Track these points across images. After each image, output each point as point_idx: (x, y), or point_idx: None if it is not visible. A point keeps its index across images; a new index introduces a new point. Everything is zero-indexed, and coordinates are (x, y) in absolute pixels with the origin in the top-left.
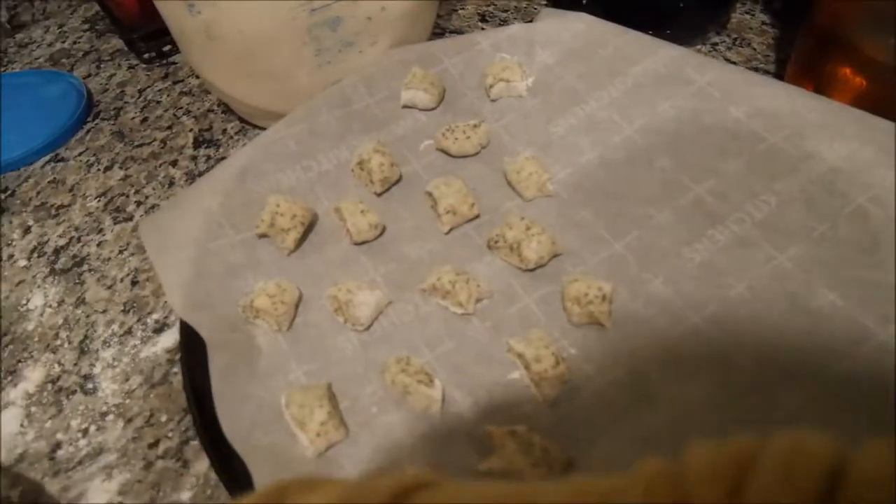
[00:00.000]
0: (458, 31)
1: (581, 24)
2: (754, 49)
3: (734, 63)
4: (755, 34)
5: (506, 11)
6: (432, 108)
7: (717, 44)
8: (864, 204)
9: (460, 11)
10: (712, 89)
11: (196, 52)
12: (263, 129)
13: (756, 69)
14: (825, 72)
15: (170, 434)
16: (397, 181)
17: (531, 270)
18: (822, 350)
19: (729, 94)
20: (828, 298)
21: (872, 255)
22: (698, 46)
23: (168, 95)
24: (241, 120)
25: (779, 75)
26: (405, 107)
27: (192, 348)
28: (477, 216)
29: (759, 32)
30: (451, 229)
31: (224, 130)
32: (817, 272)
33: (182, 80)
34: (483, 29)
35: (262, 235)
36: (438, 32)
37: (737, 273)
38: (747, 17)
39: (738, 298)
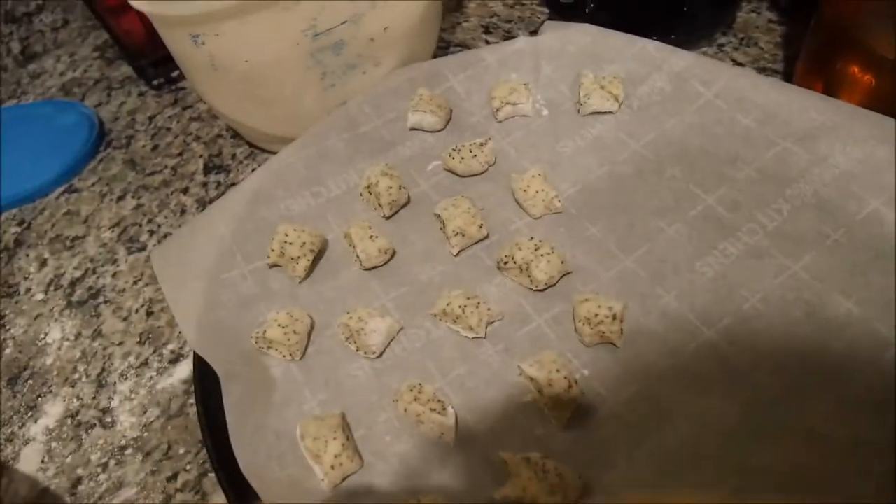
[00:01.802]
0: (463, 45)
1: (586, 36)
2: (761, 48)
3: (741, 64)
4: (762, 33)
5: (509, 22)
6: (439, 130)
7: (723, 45)
8: (879, 207)
9: (464, 24)
10: (720, 101)
11: (202, 82)
12: (272, 152)
13: (764, 69)
14: (834, 70)
15: (188, 467)
16: (406, 203)
17: (542, 290)
18: (840, 361)
19: (737, 102)
20: (844, 307)
21: (890, 260)
22: (704, 49)
23: (178, 121)
24: (250, 144)
25: (787, 74)
26: (412, 129)
27: (207, 381)
28: (486, 237)
29: (766, 31)
30: (460, 251)
31: (233, 155)
32: (832, 280)
33: (191, 106)
34: (487, 41)
35: (273, 265)
36: (443, 46)
37: (750, 285)
38: (753, 15)
39: (753, 311)
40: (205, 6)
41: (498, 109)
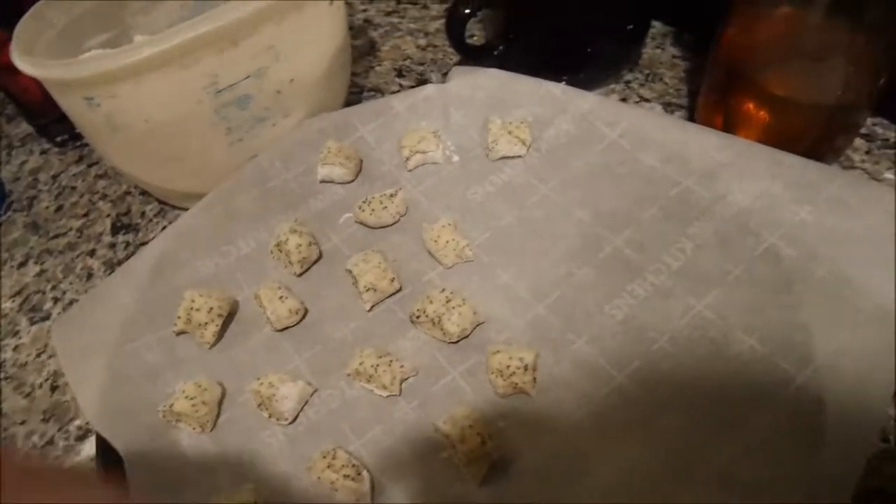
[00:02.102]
0: (377, 89)
1: (493, 81)
2: (666, 84)
3: (648, 100)
4: (666, 68)
5: (422, 65)
6: (350, 181)
7: (630, 81)
8: (776, 242)
9: (377, 68)
10: (623, 141)
11: (102, 143)
12: (184, 209)
13: (669, 104)
14: (731, 106)
15: None
16: (318, 259)
17: (455, 342)
18: (744, 400)
19: (641, 142)
20: (747, 344)
21: (787, 295)
22: (612, 86)
23: (83, 180)
24: (160, 201)
25: (691, 108)
26: (323, 181)
27: (112, 462)
28: (399, 290)
29: (670, 66)
30: (373, 306)
31: (143, 213)
32: (735, 317)
33: (97, 163)
34: (401, 85)
35: (181, 332)
36: (356, 91)
37: (658, 326)
38: (658, 51)
39: (661, 353)
40: (95, 68)
41: (408, 158)
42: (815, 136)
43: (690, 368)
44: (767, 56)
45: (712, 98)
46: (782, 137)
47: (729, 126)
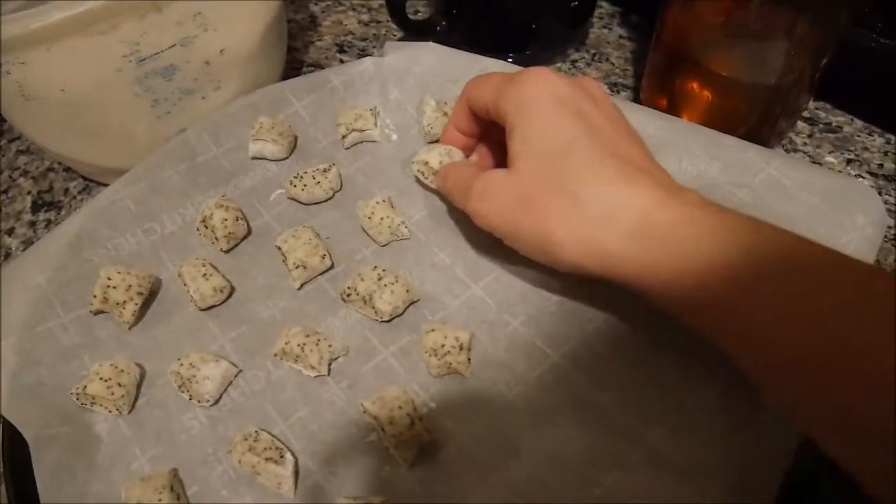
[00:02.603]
0: (317, 64)
1: (431, 56)
2: (612, 64)
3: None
4: (613, 48)
5: (364, 40)
6: (283, 158)
7: (576, 60)
8: None
9: (317, 43)
10: None
11: (16, 114)
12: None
13: (615, 84)
14: (675, 87)
15: None
16: (246, 236)
17: (388, 321)
18: (679, 378)
19: None
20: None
21: None
22: (559, 64)
23: (3, 155)
24: (85, 178)
25: (637, 89)
26: (254, 158)
27: (21, 449)
28: (330, 267)
29: (617, 46)
30: (302, 284)
31: (66, 190)
32: None
33: (19, 138)
34: (342, 60)
35: (99, 312)
36: (296, 67)
37: (595, 306)
38: (605, 31)
39: (597, 332)
40: (2, 32)
41: (344, 136)
42: (757, 117)
43: (626, 349)
44: (710, 36)
45: (656, 79)
46: (726, 118)
47: (673, 106)
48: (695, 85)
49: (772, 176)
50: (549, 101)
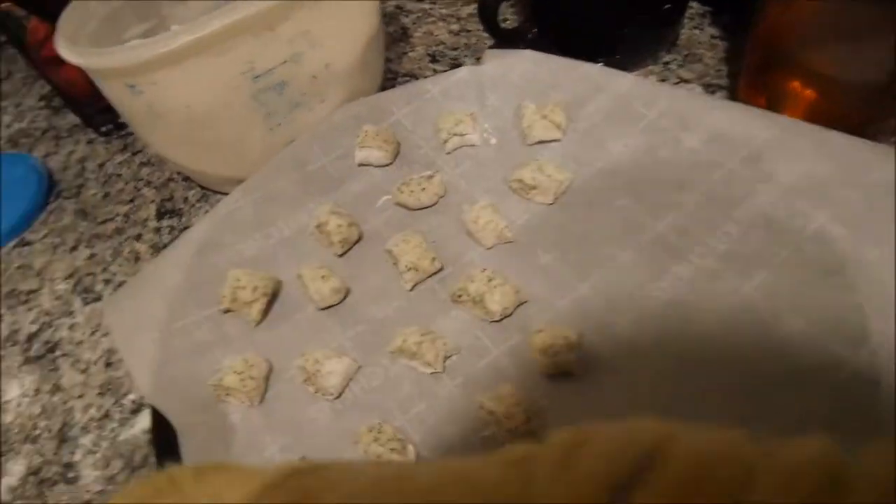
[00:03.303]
0: (411, 74)
1: (528, 63)
2: (706, 64)
3: (687, 81)
4: (706, 49)
5: (455, 49)
6: (387, 164)
7: (668, 62)
8: (825, 223)
9: (410, 54)
10: (663, 121)
11: (145, 130)
12: (225, 194)
13: (710, 85)
14: (775, 85)
15: None
16: (358, 240)
17: (498, 321)
18: (793, 384)
19: (681, 122)
20: (797, 326)
21: (838, 276)
22: (650, 67)
23: (128, 167)
24: (202, 187)
25: (732, 89)
26: (361, 165)
27: (166, 434)
28: (440, 269)
29: (710, 47)
30: (414, 286)
31: (185, 199)
32: (784, 299)
33: (141, 151)
34: (434, 70)
35: (227, 310)
36: (391, 77)
37: (704, 308)
38: (697, 32)
39: (707, 335)
40: (135, 56)
41: (445, 141)
42: (864, 116)
43: (739, 351)
44: (812, 33)
45: (754, 78)
46: (829, 117)
47: (773, 106)
48: (796, 84)
49: (885, 175)
50: None
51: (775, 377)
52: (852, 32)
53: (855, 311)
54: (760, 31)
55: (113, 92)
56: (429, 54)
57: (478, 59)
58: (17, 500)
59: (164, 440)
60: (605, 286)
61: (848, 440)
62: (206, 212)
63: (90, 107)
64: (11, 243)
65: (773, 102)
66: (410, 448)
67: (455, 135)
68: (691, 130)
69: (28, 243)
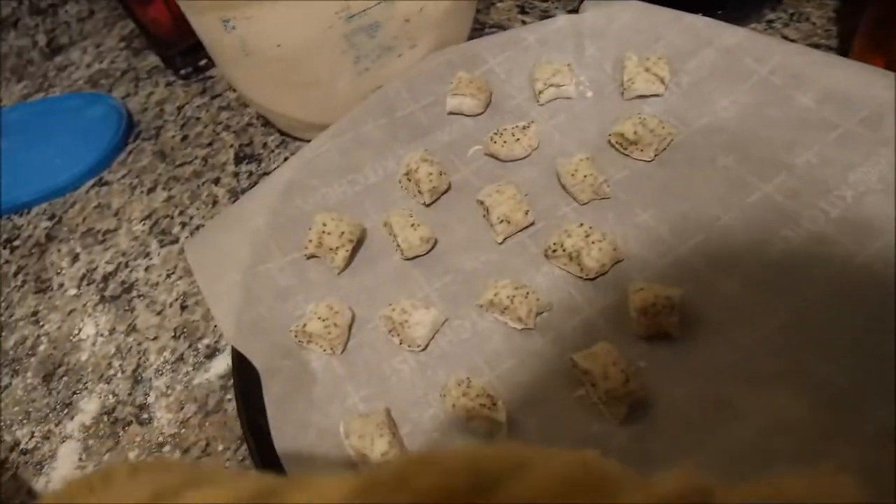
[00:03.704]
0: (499, 26)
1: (630, 13)
2: (813, 24)
3: (793, 41)
4: (814, 7)
5: (546, 1)
6: (479, 114)
7: (772, 21)
8: None
9: (498, 5)
10: (774, 78)
11: (234, 68)
12: (305, 141)
13: (817, 46)
14: None
15: (227, 464)
16: (447, 190)
17: (592, 279)
18: None
19: (794, 80)
20: None
21: None
22: (753, 25)
23: (207, 111)
24: (281, 133)
25: (843, 50)
26: (451, 113)
27: (246, 377)
28: (532, 223)
29: (818, 5)
30: (505, 239)
31: (265, 144)
32: None
33: (220, 95)
34: (524, 21)
35: (311, 256)
36: (478, 28)
37: (815, 274)
38: None
39: (818, 301)
40: None
41: (541, 92)
42: None
43: (850, 321)
44: None
45: (873, 35)
46: None
47: (892, 67)
48: None
49: None
50: None
51: (888, 351)
52: None
53: None
54: None
55: (205, 27)
56: (518, 6)
57: (570, 11)
58: (90, 439)
59: (244, 384)
60: (708, 248)
61: None
62: (286, 158)
63: (173, 48)
64: (90, 182)
65: (894, 65)
66: (500, 405)
67: (551, 86)
68: (805, 88)
69: (106, 183)
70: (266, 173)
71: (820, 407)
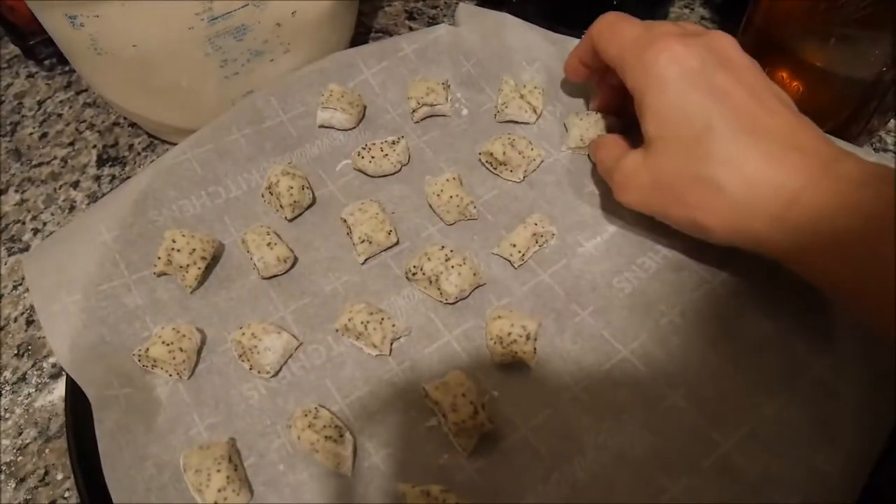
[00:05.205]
0: (385, 31)
1: (507, 30)
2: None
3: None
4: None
5: (435, 8)
6: (351, 128)
7: None
8: None
9: (387, 8)
10: None
11: (86, 68)
12: (174, 144)
13: None
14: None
15: (66, 494)
16: (311, 205)
17: (452, 304)
18: (756, 384)
19: None
20: (763, 325)
21: None
22: None
23: (70, 107)
24: (150, 135)
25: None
26: (322, 126)
27: (83, 406)
28: (396, 243)
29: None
30: (367, 259)
31: (131, 146)
32: (749, 296)
33: (86, 90)
34: (411, 27)
35: (162, 274)
36: (363, 32)
37: (668, 300)
38: (686, 11)
39: (670, 327)
40: None
41: (414, 110)
42: (849, 112)
43: (699, 346)
44: (808, 24)
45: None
46: (815, 112)
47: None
48: (784, 74)
49: None
50: (678, 82)
51: (734, 380)
52: (849, 25)
53: (821, 313)
54: (754, 16)
55: (51, 23)
56: (406, 10)
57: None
58: None
59: (81, 413)
60: (569, 275)
61: (801, 449)
62: (153, 162)
63: (33, 36)
64: None
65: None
66: (348, 436)
67: (425, 104)
68: None
69: None
70: (130, 177)
71: (667, 439)
